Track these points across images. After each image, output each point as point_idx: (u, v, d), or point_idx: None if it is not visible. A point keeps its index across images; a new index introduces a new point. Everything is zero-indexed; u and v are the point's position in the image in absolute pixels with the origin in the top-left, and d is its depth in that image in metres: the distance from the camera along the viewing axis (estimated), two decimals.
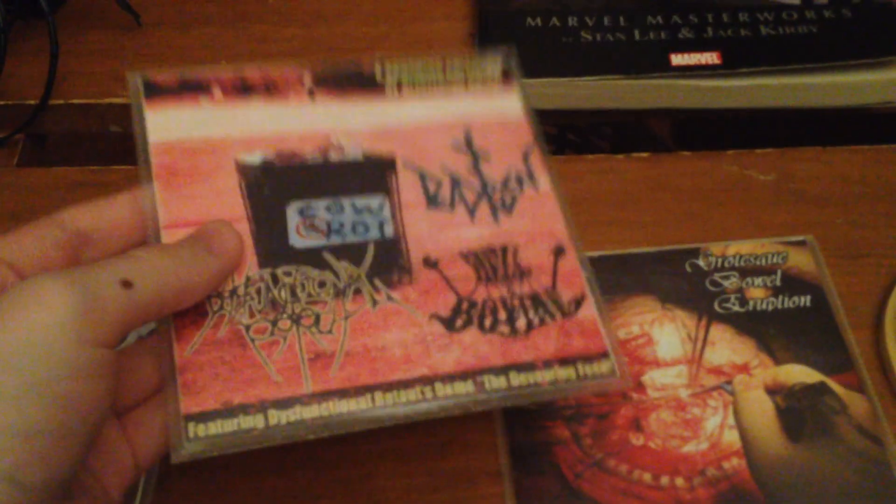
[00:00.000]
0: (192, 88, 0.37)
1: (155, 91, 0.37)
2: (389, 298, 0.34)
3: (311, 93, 0.39)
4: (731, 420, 0.41)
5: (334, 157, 0.37)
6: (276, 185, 0.35)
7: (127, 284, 0.27)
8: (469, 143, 0.39)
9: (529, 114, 0.41)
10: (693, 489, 0.39)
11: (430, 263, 0.35)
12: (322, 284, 0.33)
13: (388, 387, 0.31)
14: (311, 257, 0.34)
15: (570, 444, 0.40)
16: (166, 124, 0.36)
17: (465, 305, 0.34)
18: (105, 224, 0.32)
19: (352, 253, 0.35)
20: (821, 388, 0.41)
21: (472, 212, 0.37)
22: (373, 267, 0.34)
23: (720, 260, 0.46)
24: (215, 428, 0.29)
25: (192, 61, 0.56)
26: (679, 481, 0.39)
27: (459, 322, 0.34)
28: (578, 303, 0.35)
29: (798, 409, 0.41)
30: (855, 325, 0.44)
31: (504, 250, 0.36)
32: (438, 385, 0.32)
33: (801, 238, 0.47)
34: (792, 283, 0.45)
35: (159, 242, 0.32)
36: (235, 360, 0.31)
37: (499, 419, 0.41)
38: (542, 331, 0.34)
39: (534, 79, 0.52)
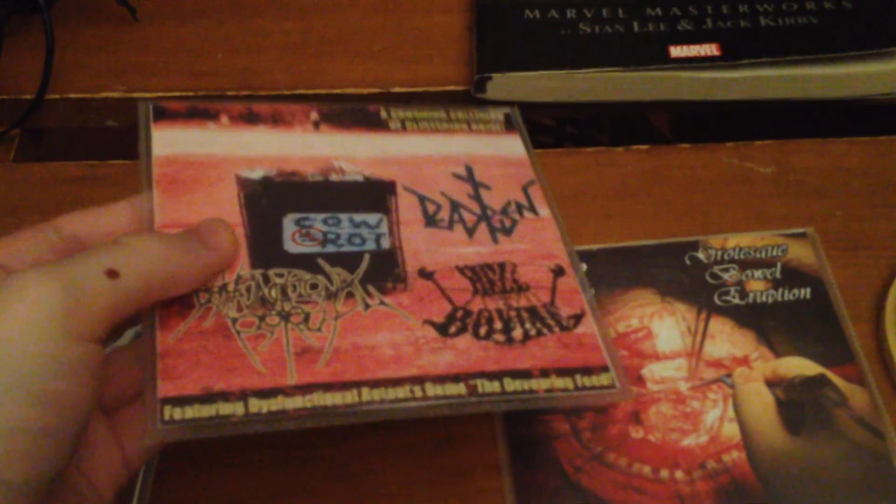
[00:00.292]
0: (200, 115, 0.37)
1: (164, 115, 0.37)
2: (382, 303, 0.33)
3: (316, 125, 0.39)
4: (730, 413, 0.40)
5: (335, 178, 0.37)
6: (274, 197, 0.35)
7: (113, 274, 0.27)
8: (470, 173, 0.39)
9: (532, 155, 0.41)
10: (693, 482, 0.39)
11: (425, 274, 0.34)
12: (314, 286, 0.33)
13: (376, 383, 0.30)
14: (305, 262, 0.33)
15: (570, 438, 0.40)
16: (172, 140, 0.36)
17: (459, 314, 0.33)
18: (101, 230, 0.32)
19: (346, 261, 0.34)
20: (821, 381, 0.41)
21: (470, 232, 0.36)
22: (367, 274, 0.34)
23: (720, 252, 0.45)
24: (192, 412, 0.28)
25: (188, 55, 0.56)
26: (679, 474, 0.39)
27: (453, 328, 0.33)
28: (577, 318, 0.34)
29: (798, 402, 0.41)
30: (855, 318, 0.43)
31: (502, 266, 0.35)
32: (429, 385, 0.30)
33: (800, 230, 0.46)
34: (792, 275, 0.45)
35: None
36: (219, 349, 0.30)
37: (498, 413, 0.41)
38: (540, 341, 0.33)
39: (532, 71, 0.52)
